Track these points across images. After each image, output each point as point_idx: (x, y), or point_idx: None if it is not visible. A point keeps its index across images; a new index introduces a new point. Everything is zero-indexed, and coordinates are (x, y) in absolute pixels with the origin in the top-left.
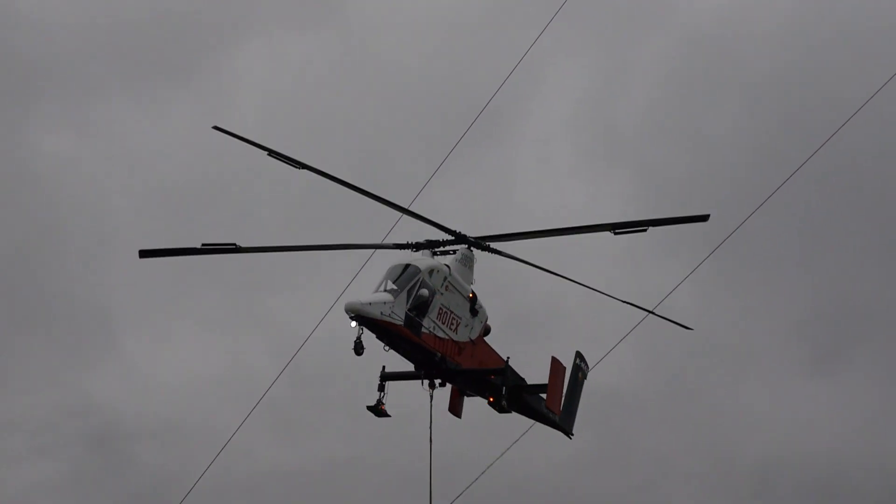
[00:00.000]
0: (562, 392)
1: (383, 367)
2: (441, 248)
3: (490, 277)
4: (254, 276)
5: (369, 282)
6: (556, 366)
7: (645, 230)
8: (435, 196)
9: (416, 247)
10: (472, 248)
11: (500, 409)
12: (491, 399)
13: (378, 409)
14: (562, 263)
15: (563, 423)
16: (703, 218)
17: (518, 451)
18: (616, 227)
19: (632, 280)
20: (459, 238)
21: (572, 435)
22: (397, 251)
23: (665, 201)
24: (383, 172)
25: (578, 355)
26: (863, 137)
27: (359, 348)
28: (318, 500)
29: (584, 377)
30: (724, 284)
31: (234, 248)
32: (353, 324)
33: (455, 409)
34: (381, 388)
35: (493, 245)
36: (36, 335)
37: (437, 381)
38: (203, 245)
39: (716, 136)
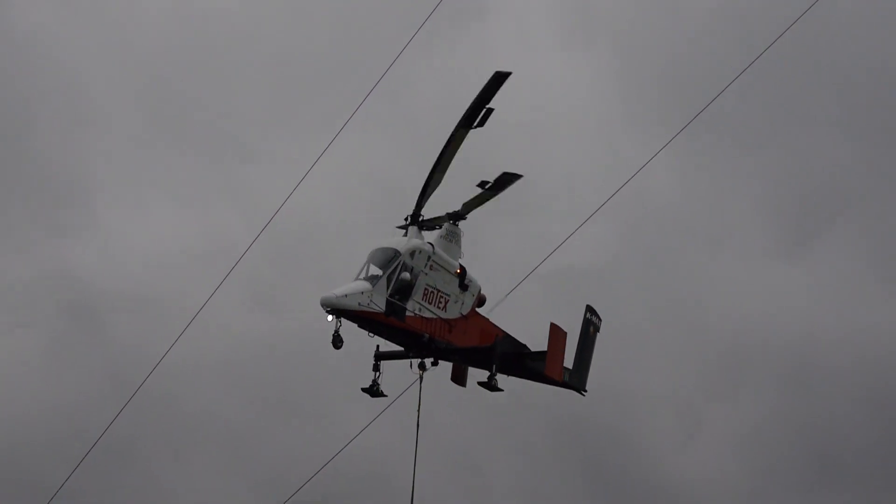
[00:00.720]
0: (562, 358)
1: (377, 347)
2: (427, 223)
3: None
4: (231, 145)
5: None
6: (554, 332)
7: None
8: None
9: (402, 228)
10: (457, 223)
11: (491, 389)
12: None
13: (374, 391)
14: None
15: (574, 381)
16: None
17: None
18: None
19: (607, 154)
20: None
21: (585, 392)
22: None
23: (645, 78)
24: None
25: (589, 309)
26: (836, 14)
27: (337, 341)
28: (295, 372)
29: (597, 330)
30: (700, 163)
31: None
32: (330, 317)
33: (459, 378)
34: (376, 368)
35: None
36: (13, 206)
37: (430, 361)
38: None
39: (694, 11)
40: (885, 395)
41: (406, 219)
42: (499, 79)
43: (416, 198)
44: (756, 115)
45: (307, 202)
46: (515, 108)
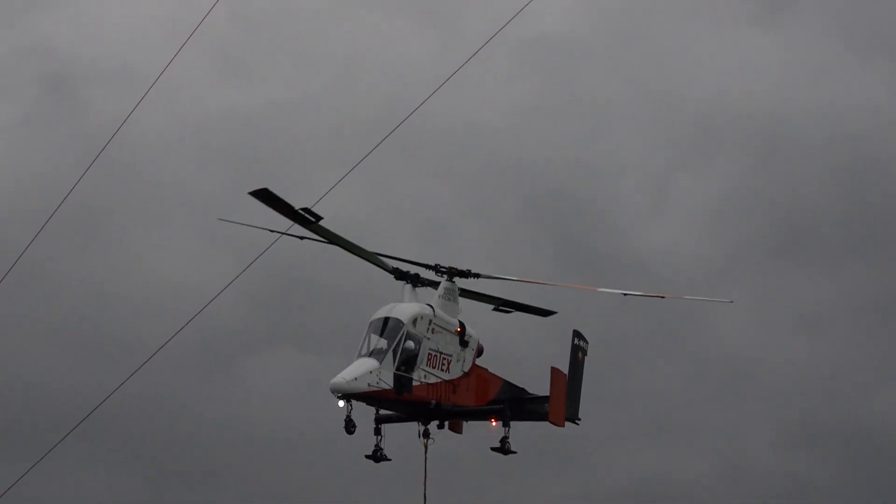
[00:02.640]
0: (564, 402)
1: (377, 410)
2: (422, 282)
3: None
4: None
5: None
6: (556, 376)
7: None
8: None
9: (399, 275)
10: (453, 280)
11: (505, 453)
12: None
13: (377, 456)
14: None
15: (568, 412)
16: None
17: None
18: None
19: None
20: (438, 271)
21: (579, 420)
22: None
23: None
24: None
25: (576, 334)
26: None
27: (350, 426)
28: (269, 141)
29: (585, 355)
30: None
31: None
32: (341, 403)
33: (455, 426)
34: (378, 432)
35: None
36: None
37: (436, 424)
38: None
39: None
40: (854, 168)
41: (401, 277)
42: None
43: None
44: None
45: None
46: None
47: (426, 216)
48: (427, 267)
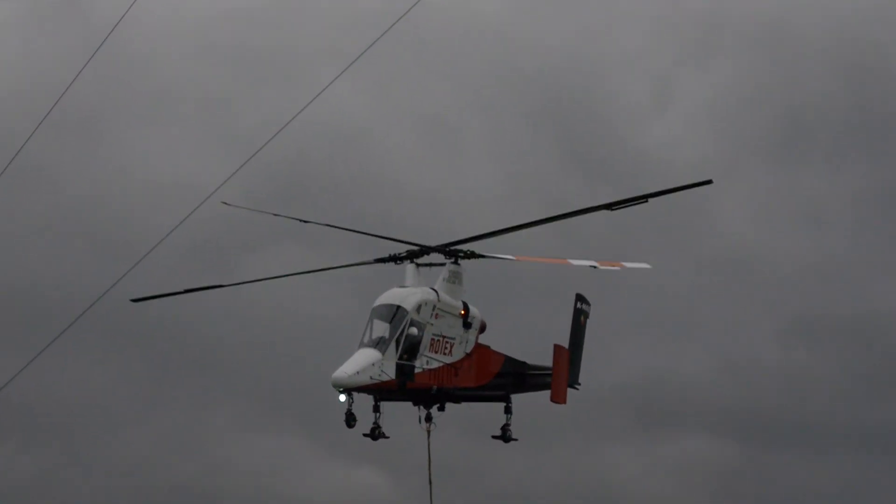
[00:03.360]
0: (567, 379)
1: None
2: (425, 262)
3: None
4: None
5: None
6: (558, 353)
7: (646, 201)
8: None
9: (398, 259)
10: (458, 262)
11: (506, 441)
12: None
13: (375, 434)
14: None
15: (570, 380)
16: (707, 182)
17: None
18: (613, 205)
19: None
20: (443, 252)
21: (578, 385)
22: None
23: None
24: None
25: (579, 298)
26: None
27: (350, 420)
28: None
29: (587, 318)
30: None
31: (218, 286)
32: (343, 397)
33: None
34: (377, 409)
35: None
36: None
37: (437, 407)
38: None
39: None
40: (858, 63)
41: (399, 256)
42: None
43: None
44: None
45: None
46: None
47: (426, 111)
48: (432, 249)
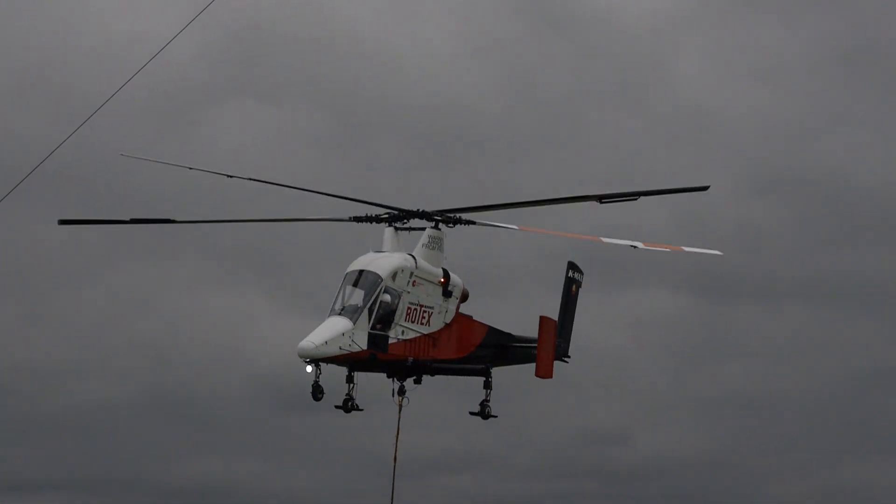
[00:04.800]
0: (553, 353)
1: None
2: (404, 225)
3: None
4: None
5: None
6: (544, 325)
7: (636, 199)
8: None
9: (376, 220)
10: (439, 226)
11: (484, 417)
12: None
13: (347, 406)
14: None
15: (560, 352)
16: (703, 188)
17: None
18: (603, 198)
19: None
20: (422, 216)
21: (568, 358)
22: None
23: None
24: None
25: (571, 266)
26: None
27: (317, 392)
28: None
29: (579, 287)
30: None
31: (169, 221)
32: (309, 368)
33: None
34: (350, 380)
35: (463, 216)
36: None
37: (413, 380)
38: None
39: None
40: None
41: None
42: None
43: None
44: None
45: None
46: None
47: None
48: (412, 214)
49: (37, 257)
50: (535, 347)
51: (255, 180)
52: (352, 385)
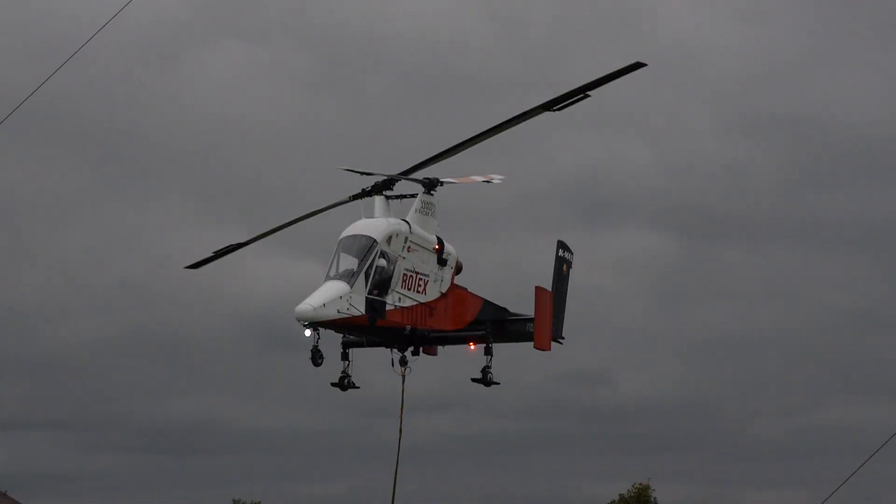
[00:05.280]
0: (550, 325)
1: (344, 335)
2: (393, 194)
3: None
4: None
5: None
6: (540, 296)
7: (587, 96)
8: None
9: (367, 193)
10: (431, 192)
11: (487, 384)
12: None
13: (343, 384)
14: None
15: (553, 333)
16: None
17: None
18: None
19: None
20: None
21: (563, 339)
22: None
23: None
24: None
25: (561, 245)
26: None
27: (317, 357)
28: None
29: (570, 268)
30: None
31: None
32: (308, 332)
33: (430, 349)
34: (345, 357)
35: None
36: None
37: (411, 350)
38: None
39: None
40: None
41: (368, 188)
42: (633, 68)
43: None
44: None
45: None
46: None
47: None
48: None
49: (18, 197)
50: (531, 323)
51: None
52: (347, 363)
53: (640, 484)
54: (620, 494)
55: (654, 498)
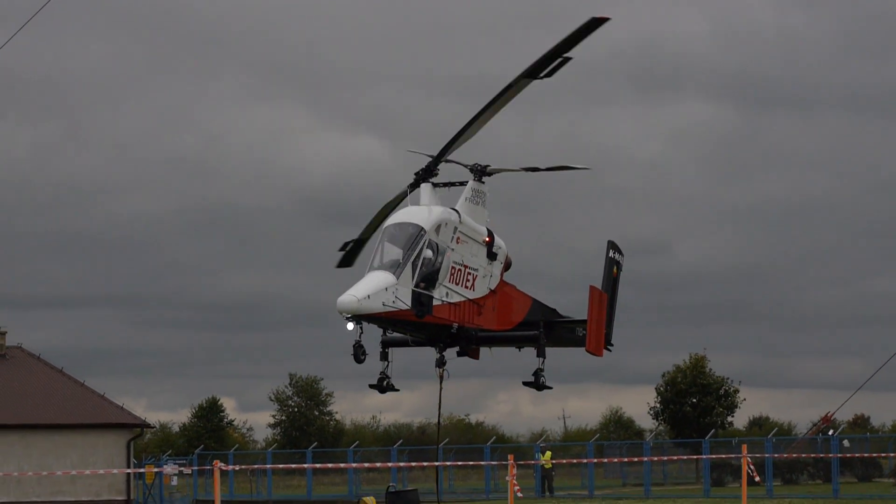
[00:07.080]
0: (604, 328)
1: (384, 332)
2: (441, 182)
3: None
4: None
5: None
6: (595, 297)
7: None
8: None
9: (411, 186)
10: (481, 179)
11: (539, 388)
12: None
13: (383, 386)
14: None
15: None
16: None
17: None
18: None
19: None
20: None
21: (611, 346)
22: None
23: None
24: None
25: (611, 245)
26: None
27: (360, 353)
28: None
29: (620, 270)
30: None
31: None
32: (350, 325)
33: (472, 351)
34: (385, 357)
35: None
36: None
37: (456, 351)
38: None
39: None
40: None
41: (417, 174)
42: (592, 25)
43: (441, 148)
44: None
45: None
46: None
47: None
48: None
49: (75, 74)
50: (582, 327)
51: None
52: (386, 363)
53: (697, 355)
54: (676, 365)
55: (710, 368)
